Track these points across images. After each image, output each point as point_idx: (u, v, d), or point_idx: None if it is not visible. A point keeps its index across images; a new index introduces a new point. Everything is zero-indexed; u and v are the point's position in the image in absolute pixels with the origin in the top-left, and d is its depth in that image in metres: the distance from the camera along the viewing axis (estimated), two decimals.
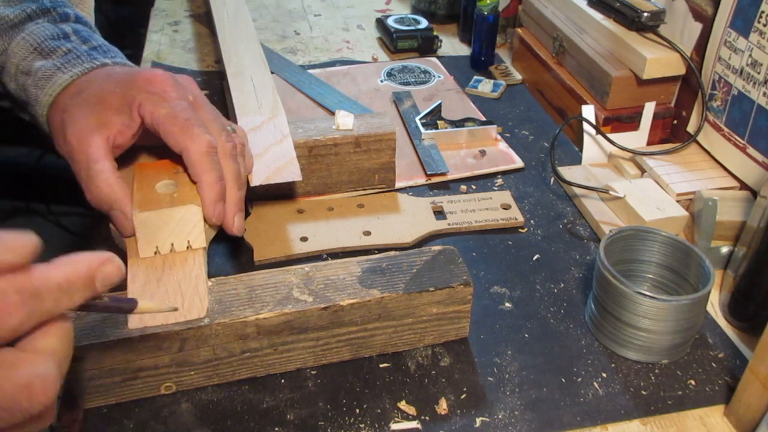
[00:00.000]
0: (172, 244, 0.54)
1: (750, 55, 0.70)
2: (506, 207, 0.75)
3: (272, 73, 0.93)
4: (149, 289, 0.51)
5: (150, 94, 0.55)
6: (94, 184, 0.53)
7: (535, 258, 0.70)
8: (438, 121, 0.87)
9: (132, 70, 0.59)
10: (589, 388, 0.56)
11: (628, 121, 0.84)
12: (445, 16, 1.19)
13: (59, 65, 0.58)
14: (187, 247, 0.54)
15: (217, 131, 0.57)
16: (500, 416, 0.54)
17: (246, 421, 0.53)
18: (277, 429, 0.52)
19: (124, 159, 0.58)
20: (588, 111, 0.84)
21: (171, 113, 0.54)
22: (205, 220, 0.55)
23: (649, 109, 0.83)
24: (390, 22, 1.11)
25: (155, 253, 0.54)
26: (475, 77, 1.01)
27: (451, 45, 1.14)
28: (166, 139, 0.54)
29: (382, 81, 1.00)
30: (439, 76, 1.02)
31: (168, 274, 0.52)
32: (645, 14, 0.82)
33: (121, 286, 0.51)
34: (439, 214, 0.74)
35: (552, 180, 0.81)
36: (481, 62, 1.05)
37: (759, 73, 0.69)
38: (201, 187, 0.54)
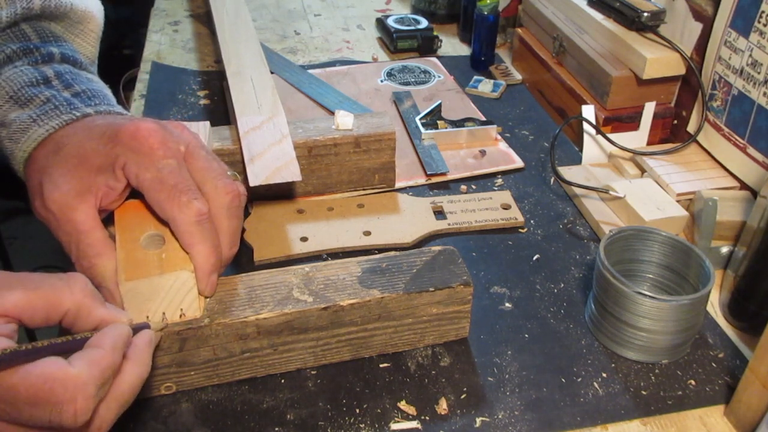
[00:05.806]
0: (164, 314, 0.50)
1: (750, 55, 0.70)
2: (506, 207, 0.75)
3: (272, 73, 0.93)
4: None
5: (135, 153, 0.50)
6: (87, 260, 0.49)
7: (535, 258, 0.70)
8: (438, 121, 0.87)
9: (115, 121, 0.53)
10: (589, 388, 0.56)
11: (628, 121, 0.84)
12: (445, 16, 1.19)
13: (35, 117, 0.53)
14: (180, 317, 0.50)
15: (213, 182, 0.52)
16: (500, 416, 0.54)
17: (246, 421, 0.53)
18: (277, 429, 0.52)
19: None
20: (588, 111, 0.84)
21: (157, 177, 0.49)
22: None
23: (649, 109, 0.82)
24: (390, 22, 1.11)
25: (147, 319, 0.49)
26: (475, 77, 1.01)
27: (451, 45, 1.14)
28: (152, 206, 0.50)
29: (382, 81, 1.00)
30: (439, 76, 1.02)
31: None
32: (645, 14, 0.82)
33: None
34: (439, 214, 0.74)
35: (552, 180, 0.81)
36: (481, 62, 1.05)
37: (759, 73, 0.69)
38: (193, 258, 0.50)
